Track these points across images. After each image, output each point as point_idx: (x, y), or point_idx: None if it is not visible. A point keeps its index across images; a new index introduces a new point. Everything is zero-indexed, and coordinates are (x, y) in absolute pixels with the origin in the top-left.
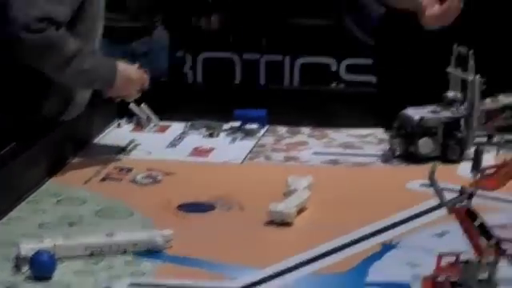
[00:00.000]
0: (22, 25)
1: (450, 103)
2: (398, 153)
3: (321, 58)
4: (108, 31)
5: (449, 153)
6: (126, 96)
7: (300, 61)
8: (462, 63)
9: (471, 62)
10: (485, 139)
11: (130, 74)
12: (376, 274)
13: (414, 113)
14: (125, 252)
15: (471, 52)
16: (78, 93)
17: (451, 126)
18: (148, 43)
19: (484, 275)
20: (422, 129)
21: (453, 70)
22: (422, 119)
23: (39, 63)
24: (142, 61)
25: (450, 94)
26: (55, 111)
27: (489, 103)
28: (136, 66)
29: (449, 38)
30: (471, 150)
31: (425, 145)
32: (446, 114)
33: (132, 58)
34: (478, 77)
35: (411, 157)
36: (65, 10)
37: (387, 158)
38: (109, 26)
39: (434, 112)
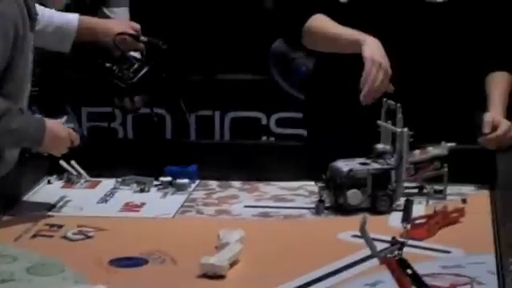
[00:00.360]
0: None
1: (380, 155)
2: (327, 204)
3: (250, 112)
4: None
5: (378, 204)
6: (55, 153)
7: (230, 115)
8: (391, 116)
9: (399, 115)
10: (415, 190)
11: (58, 131)
12: None
13: (344, 165)
14: None
15: (399, 105)
16: (6, 151)
17: (380, 177)
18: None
19: None
20: (351, 180)
21: (383, 123)
22: (350, 171)
23: None
24: None
25: (380, 146)
26: None
27: (418, 154)
28: (60, 122)
29: None
30: (401, 201)
31: (353, 196)
32: (375, 165)
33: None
34: (405, 129)
35: (341, 208)
36: None
37: (318, 209)
38: None
39: (363, 164)
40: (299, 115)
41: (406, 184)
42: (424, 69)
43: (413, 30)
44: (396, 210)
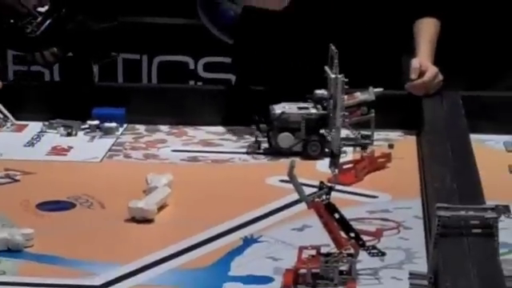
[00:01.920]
0: None
1: (318, 101)
2: (261, 146)
3: (178, 56)
4: None
5: (309, 149)
6: None
7: (157, 59)
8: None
9: (335, 61)
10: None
11: None
12: (238, 268)
13: (279, 107)
14: None
15: (336, 51)
16: None
17: (314, 122)
18: None
19: (344, 267)
20: (283, 123)
21: (327, 69)
22: (283, 113)
23: None
24: None
25: (319, 91)
26: None
27: (345, 100)
28: None
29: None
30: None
31: (284, 139)
32: (311, 110)
33: None
34: (340, 75)
35: (275, 152)
36: None
37: (252, 151)
38: None
39: (300, 108)
40: (227, 60)
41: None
42: (352, 13)
43: None
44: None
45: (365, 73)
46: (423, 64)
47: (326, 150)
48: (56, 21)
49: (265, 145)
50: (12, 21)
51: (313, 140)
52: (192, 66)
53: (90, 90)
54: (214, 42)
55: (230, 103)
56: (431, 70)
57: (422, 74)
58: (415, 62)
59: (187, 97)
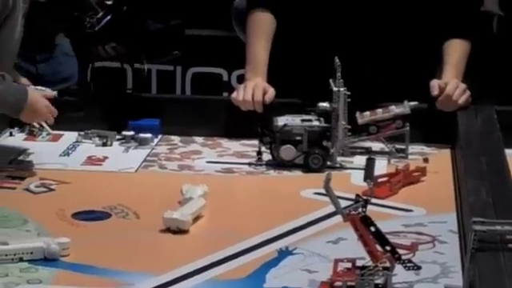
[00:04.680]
0: None
1: (322, 114)
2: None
3: (212, 68)
4: None
5: (310, 162)
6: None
7: (191, 71)
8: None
9: (338, 74)
10: (377, 148)
11: (38, 108)
12: (274, 280)
13: (282, 120)
14: (21, 260)
15: (339, 64)
16: None
17: (316, 135)
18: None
19: (380, 280)
20: (285, 135)
21: (331, 81)
22: (285, 126)
23: None
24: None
25: (323, 104)
26: None
27: (380, 113)
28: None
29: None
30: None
31: (286, 151)
32: (314, 123)
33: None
34: (342, 89)
35: (280, 164)
36: None
37: (254, 162)
38: None
39: (303, 120)
40: None
41: (370, 143)
42: (390, 29)
43: None
44: (357, 169)
45: (400, 86)
46: (443, 81)
47: (328, 162)
48: (115, 17)
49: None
50: (76, 13)
51: (315, 153)
52: (226, 78)
53: (122, 97)
54: None
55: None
56: (452, 83)
57: (443, 90)
58: (433, 81)
59: (222, 108)
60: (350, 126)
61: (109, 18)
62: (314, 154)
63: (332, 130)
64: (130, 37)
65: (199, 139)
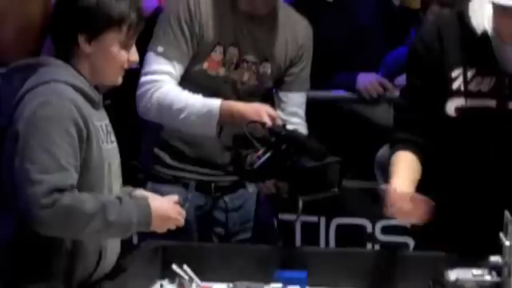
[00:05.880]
0: (32, 204)
1: (493, 267)
2: None
3: (355, 219)
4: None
5: None
6: (162, 231)
7: (335, 221)
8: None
9: (510, 228)
10: None
11: (166, 211)
12: None
13: (453, 273)
14: None
15: (510, 218)
16: (107, 246)
17: None
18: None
19: None
20: None
21: (502, 236)
22: (456, 280)
23: (65, 232)
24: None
25: (494, 258)
26: (87, 273)
27: None
28: (169, 201)
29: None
30: None
31: None
32: (485, 277)
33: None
34: None
35: None
36: (69, 173)
37: None
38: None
39: (475, 275)
40: (405, 223)
41: None
42: None
43: None
44: None
45: None
46: None
47: None
48: (274, 156)
49: None
50: (238, 150)
51: None
52: (369, 229)
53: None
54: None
55: (410, 268)
56: None
57: None
58: None
59: (368, 261)
60: None
61: (267, 156)
62: None
63: (504, 285)
64: (286, 174)
65: None
